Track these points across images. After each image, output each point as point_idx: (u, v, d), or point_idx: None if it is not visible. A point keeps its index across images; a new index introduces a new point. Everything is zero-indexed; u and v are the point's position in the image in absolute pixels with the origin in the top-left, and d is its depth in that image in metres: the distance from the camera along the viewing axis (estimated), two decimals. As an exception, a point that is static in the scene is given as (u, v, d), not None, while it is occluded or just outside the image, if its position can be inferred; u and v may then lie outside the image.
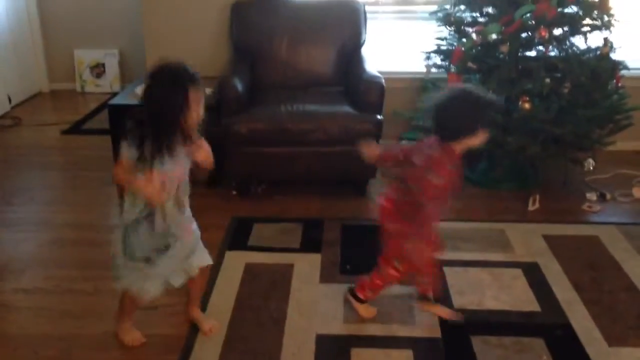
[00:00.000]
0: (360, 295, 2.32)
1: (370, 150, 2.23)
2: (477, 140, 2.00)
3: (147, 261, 1.97)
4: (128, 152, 1.82)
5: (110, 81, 5.22)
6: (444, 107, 2.01)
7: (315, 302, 2.41)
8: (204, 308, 2.36)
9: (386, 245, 2.20)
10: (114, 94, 3.98)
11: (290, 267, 2.64)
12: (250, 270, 2.62)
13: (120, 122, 3.29)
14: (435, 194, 1.98)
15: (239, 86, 3.21)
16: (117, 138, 3.28)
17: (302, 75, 3.62)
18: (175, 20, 3.89)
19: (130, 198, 1.92)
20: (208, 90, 3.40)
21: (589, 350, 2.13)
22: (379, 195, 2.24)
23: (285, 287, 2.50)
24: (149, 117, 1.79)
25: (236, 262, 2.69)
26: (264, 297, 2.43)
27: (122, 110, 3.38)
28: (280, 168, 3.25)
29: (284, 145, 3.19)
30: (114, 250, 1.99)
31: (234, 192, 3.36)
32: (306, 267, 2.65)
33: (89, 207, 3.25)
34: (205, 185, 3.39)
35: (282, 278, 2.56)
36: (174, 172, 1.87)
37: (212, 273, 2.61)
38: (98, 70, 5.21)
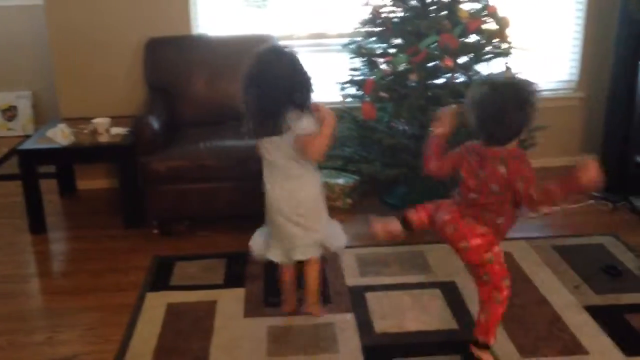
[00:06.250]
0: (491, 340, 2.18)
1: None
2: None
3: None
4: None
5: (22, 124, 5.04)
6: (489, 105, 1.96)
7: (240, 337, 2.40)
8: (123, 353, 2.31)
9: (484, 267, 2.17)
10: (27, 137, 3.86)
11: (213, 303, 2.63)
12: (173, 311, 2.58)
13: (31, 167, 3.23)
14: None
15: (155, 124, 3.20)
16: (29, 183, 3.22)
17: (221, 111, 3.60)
18: (87, 61, 3.81)
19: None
20: (124, 130, 3.37)
21: (503, 363, 2.22)
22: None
23: (209, 325, 2.47)
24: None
25: (158, 303, 2.64)
26: (187, 337, 2.40)
27: (31, 155, 3.29)
28: (202, 204, 3.23)
29: (204, 182, 3.19)
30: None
31: (155, 231, 3.30)
32: (230, 302, 2.64)
33: (1, 257, 3.11)
34: (124, 226, 3.33)
35: (205, 316, 2.54)
36: None
37: (133, 316, 2.55)
38: (10, 113, 5.03)
